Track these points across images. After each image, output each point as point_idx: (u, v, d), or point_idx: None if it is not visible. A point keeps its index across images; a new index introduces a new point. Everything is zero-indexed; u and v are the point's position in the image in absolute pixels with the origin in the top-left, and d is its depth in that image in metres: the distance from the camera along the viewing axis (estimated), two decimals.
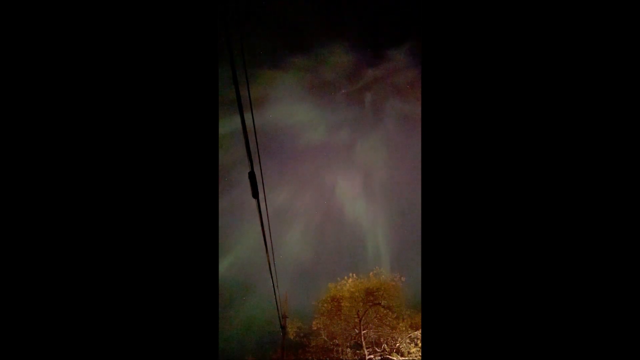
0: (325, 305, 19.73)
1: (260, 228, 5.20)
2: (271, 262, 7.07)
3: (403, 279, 19.59)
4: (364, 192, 39.17)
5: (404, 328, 18.71)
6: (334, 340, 19.80)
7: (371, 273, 19.98)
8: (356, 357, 19.37)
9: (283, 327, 16.04)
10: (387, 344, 19.03)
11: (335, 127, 38.65)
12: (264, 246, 5.88)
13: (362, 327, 18.87)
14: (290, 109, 36.53)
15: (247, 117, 3.53)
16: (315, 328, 20.12)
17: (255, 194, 4.30)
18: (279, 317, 14.44)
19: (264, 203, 5.15)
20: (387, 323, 19.03)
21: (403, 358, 18.40)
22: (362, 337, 18.82)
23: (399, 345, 18.71)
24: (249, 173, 4.01)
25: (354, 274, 20.22)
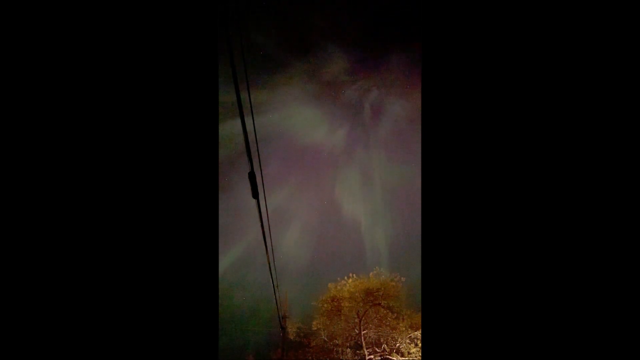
0: (325, 305, 19.72)
1: (260, 228, 5.20)
2: (271, 262, 7.07)
3: (403, 279, 19.60)
4: (364, 192, 39.19)
5: (404, 328, 18.70)
6: (334, 341, 19.80)
7: (371, 273, 19.98)
8: (356, 357, 19.37)
9: (283, 327, 16.04)
10: (387, 344, 19.02)
11: (335, 127, 38.67)
12: (264, 246, 5.89)
13: (362, 327, 18.87)
14: (290, 109, 36.54)
15: (247, 117, 3.53)
16: (315, 328, 20.12)
17: (255, 194, 4.31)
18: (279, 317, 14.44)
19: (264, 203, 5.16)
20: (387, 323, 19.03)
21: (403, 358, 18.40)
22: (362, 337, 18.82)
23: (399, 346, 18.70)
24: (249, 173, 4.01)
25: (354, 274, 20.24)
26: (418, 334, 18.43)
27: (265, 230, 5.40)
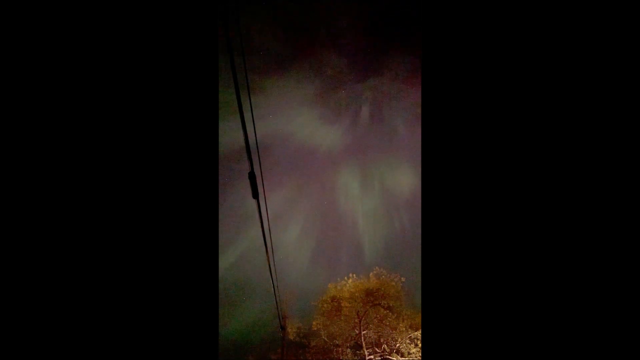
0: (325, 305, 19.72)
1: (260, 228, 5.20)
2: (271, 262, 7.07)
3: (403, 279, 19.61)
4: (364, 192, 39.19)
5: (404, 328, 18.71)
6: (334, 341, 19.80)
7: (371, 273, 19.99)
8: (356, 358, 19.37)
9: (283, 327, 16.04)
10: (387, 345, 19.02)
11: (335, 127, 38.68)
12: (264, 246, 5.88)
13: (362, 327, 18.87)
14: (290, 110, 36.55)
15: (247, 117, 3.53)
16: (315, 328, 20.12)
17: (255, 195, 4.30)
18: (279, 317, 14.44)
19: (264, 203, 5.16)
20: (387, 323, 19.03)
21: (403, 358, 18.40)
22: (362, 338, 18.83)
23: (399, 346, 18.71)
24: (249, 173, 4.01)
25: (354, 274, 20.24)
26: (418, 334, 18.43)
27: (265, 230, 5.40)
